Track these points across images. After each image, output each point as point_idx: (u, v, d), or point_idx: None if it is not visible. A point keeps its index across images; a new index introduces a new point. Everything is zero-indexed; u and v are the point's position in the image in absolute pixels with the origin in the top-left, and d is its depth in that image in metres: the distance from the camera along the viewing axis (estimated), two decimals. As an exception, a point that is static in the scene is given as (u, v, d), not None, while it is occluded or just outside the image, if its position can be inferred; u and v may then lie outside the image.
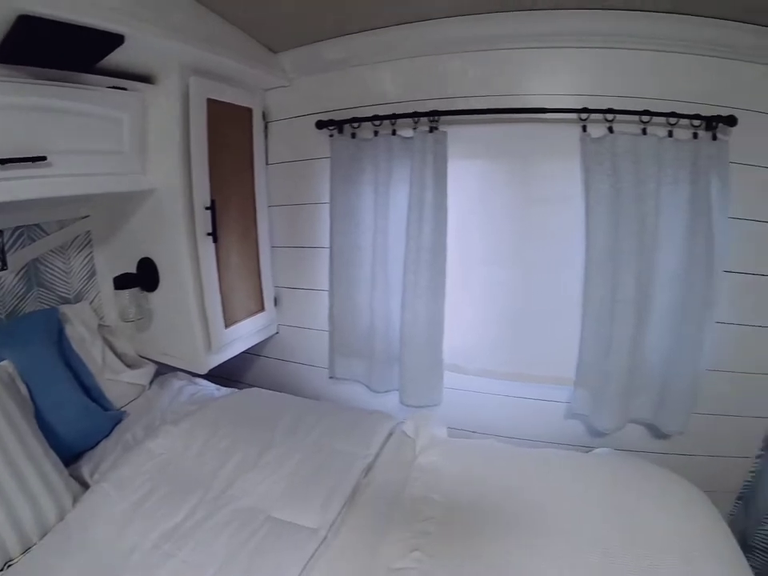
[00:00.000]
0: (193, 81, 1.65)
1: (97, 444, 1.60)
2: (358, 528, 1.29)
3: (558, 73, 1.71)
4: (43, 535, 1.19)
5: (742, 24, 1.59)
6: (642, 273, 1.64)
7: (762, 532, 1.85)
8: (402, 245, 1.75)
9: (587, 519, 1.32)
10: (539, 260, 1.80)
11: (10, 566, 1.11)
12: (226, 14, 1.69)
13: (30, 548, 1.15)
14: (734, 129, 1.63)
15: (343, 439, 1.61)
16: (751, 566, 1.88)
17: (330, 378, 2.01)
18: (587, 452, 1.74)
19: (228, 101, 1.85)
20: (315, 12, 1.68)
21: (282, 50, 1.96)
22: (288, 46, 1.95)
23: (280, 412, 1.76)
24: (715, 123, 1.62)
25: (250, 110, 1.95)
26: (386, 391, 1.96)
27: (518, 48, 1.70)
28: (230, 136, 1.87)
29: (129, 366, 1.94)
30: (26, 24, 1.13)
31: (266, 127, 2.02)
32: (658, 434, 1.88)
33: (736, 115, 1.61)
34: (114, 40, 1.32)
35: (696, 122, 1.62)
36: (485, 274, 1.86)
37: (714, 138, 1.63)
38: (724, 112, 1.62)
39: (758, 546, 1.84)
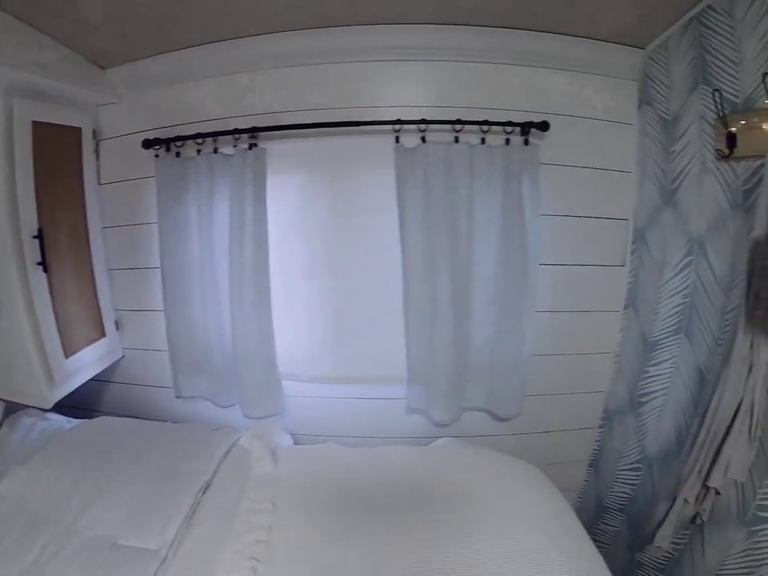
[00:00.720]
0: (17, 103, 1.57)
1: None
2: (195, 544, 1.33)
3: (376, 86, 1.76)
4: None
5: (548, 34, 1.72)
6: (458, 273, 1.75)
7: (612, 493, 2.03)
8: (227, 262, 1.76)
9: (422, 512, 1.40)
10: (364, 267, 1.86)
11: None
12: (50, 32, 1.62)
13: None
14: (545, 132, 1.75)
15: (186, 459, 1.63)
16: (607, 524, 2.08)
17: (177, 397, 2.00)
18: (429, 443, 1.84)
19: (55, 122, 1.77)
20: (133, 27, 1.64)
21: (111, 66, 1.90)
22: (117, 62, 1.89)
23: (127, 438, 1.75)
24: (527, 129, 1.73)
25: (79, 130, 1.87)
26: (231, 405, 1.97)
27: (337, 63, 1.75)
28: (58, 158, 1.79)
29: (-25, 407, 1.84)
30: None
31: (97, 146, 1.95)
32: (500, 417, 2.01)
33: (548, 120, 1.74)
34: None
35: (508, 129, 1.72)
36: (314, 284, 1.89)
37: (526, 142, 1.74)
38: (536, 117, 1.73)
39: (612, 506, 2.03)
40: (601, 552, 1.36)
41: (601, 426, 2.13)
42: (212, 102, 1.83)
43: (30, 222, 1.67)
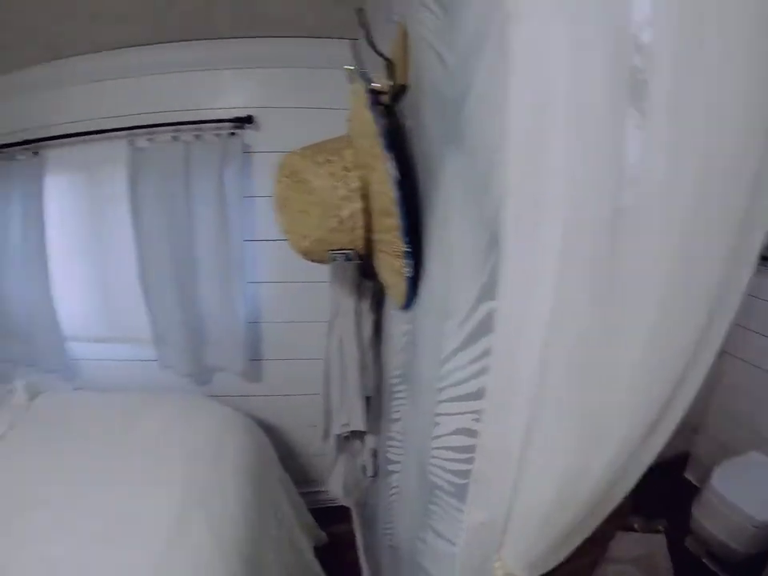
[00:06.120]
0: None
1: None
2: None
3: (112, 99, 2.04)
4: None
5: (246, 39, 1.98)
6: (181, 251, 2.04)
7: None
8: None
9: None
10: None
11: None
12: None
13: None
14: (252, 125, 2.03)
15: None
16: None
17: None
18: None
19: None
20: None
21: None
22: None
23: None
24: (235, 123, 2.01)
25: None
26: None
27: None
28: None
29: None
30: None
31: None
32: (249, 379, 2.25)
33: (255, 114, 2.02)
34: None
35: (219, 125, 2.00)
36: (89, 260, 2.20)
37: (232, 134, 2.03)
38: (245, 113, 2.00)
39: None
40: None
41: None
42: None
43: None
